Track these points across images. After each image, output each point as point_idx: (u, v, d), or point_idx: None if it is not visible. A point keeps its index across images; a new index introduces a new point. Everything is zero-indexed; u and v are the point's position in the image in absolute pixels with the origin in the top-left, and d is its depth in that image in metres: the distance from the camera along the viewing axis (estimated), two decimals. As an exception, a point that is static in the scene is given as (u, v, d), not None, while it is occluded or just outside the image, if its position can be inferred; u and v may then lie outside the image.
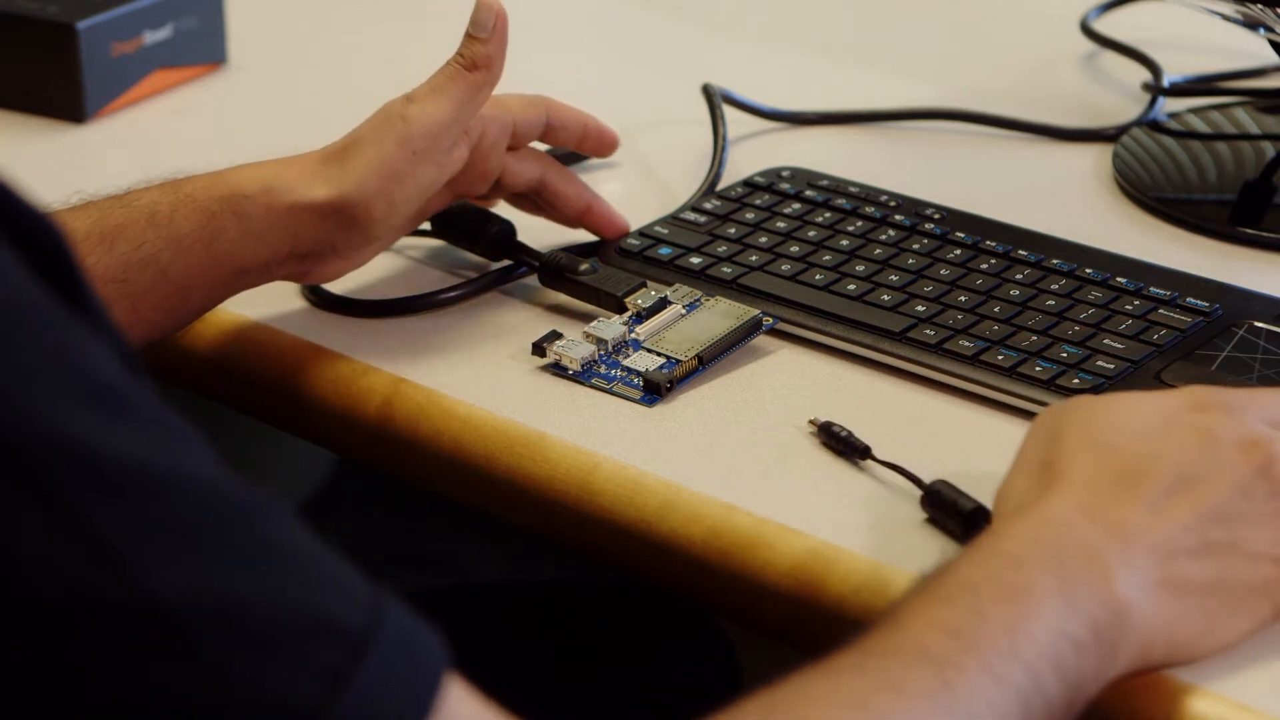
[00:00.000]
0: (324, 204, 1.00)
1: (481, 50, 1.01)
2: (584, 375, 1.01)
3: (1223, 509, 0.79)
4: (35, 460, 0.59)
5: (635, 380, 1.00)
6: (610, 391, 1.00)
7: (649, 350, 1.01)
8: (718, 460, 0.95)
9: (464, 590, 1.23)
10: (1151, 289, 1.05)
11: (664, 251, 1.11)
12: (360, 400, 1.01)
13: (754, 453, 0.96)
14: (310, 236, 1.00)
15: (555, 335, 1.02)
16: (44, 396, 0.60)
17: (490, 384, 1.01)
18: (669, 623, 1.18)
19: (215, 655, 0.61)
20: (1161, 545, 0.78)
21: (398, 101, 1.02)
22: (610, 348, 1.02)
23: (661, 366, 1.00)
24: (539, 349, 1.02)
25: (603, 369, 1.01)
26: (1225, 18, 1.20)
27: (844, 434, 0.94)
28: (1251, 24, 1.19)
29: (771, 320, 1.04)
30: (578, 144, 1.14)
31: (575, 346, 1.01)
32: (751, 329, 1.03)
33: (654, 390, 0.99)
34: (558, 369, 1.01)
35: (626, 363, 1.01)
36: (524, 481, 0.97)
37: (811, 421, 0.96)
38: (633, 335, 1.02)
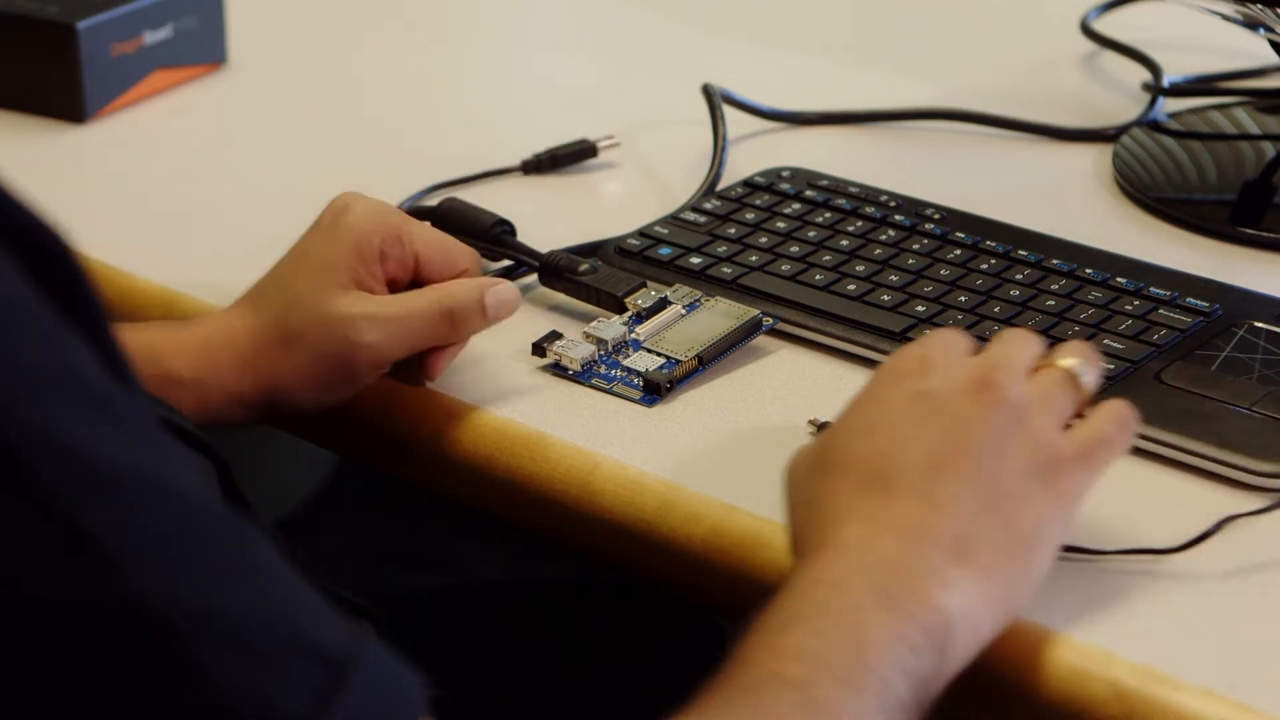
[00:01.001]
0: (254, 400, 0.97)
1: (477, 324, 0.98)
2: (584, 375, 1.01)
3: (980, 463, 0.80)
4: (23, 460, 0.59)
5: (635, 380, 1.00)
6: (610, 391, 1.00)
7: (649, 350, 1.01)
8: (718, 460, 0.95)
9: (464, 590, 1.23)
10: (1151, 289, 1.05)
11: (664, 251, 1.11)
12: (360, 400, 1.01)
13: (754, 453, 0.96)
14: (241, 419, 0.98)
15: (555, 335, 1.02)
16: (34, 397, 0.60)
17: (490, 384, 1.01)
18: (669, 623, 1.18)
19: (204, 660, 0.61)
20: (947, 529, 0.78)
21: (359, 313, 0.95)
22: (610, 348, 1.02)
23: (661, 366, 1.00)
24: (539, 349, 1.02)
25: (603, 369, 1.01)
26: (1225, 18, 1.20)
27: None
28: (1251, 24, 1.19)
29: (771, 320, 1.04)
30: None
31: (575, 346, 1.01)
32: (751, 329, 1.03)
33: (654, 390, 0.99)
34: (558, 369, 1.01)
35: (626, 363, 1.01)
36: (524, 481, 0.96)
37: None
38: (633, 335, 1.02)
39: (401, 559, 1.27)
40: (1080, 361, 0.84)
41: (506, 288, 0.99)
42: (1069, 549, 0.85)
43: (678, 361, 1.00)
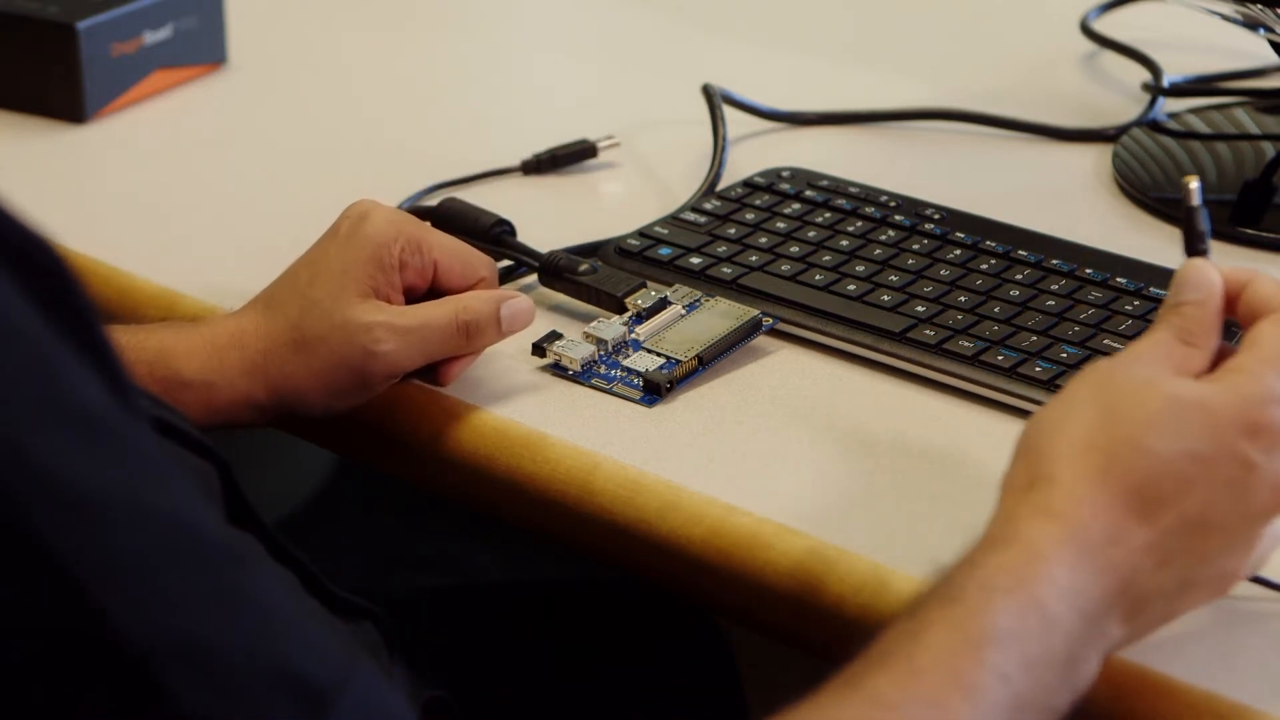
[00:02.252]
0: (264, 403, 0.97)
1: (492, 336, 0.98)
2: (584, 375, 1.01)
3: (1221, 545, 0.78)
4: (1, 484, 0.59)
5: (635, 380, 1.00)
6: (610, 392, 1.00)
7: (649, 350, 1.01)
8: (718, 460, 0.95)
9: (464, 590, 1.23)
10: (1151, 289, 1.05)
11: (664, 251, 1.11)
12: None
13: (754, 453, 0.96)
14: (249, 421, 0.99)
15: (555, 335, 1.02)
16: (17, 420, 0.59)
17: (490, 384, 1.01)
18: (669, 623, 1.18)
19: (176, 692, 0.60)
20: (1148, 592, 0.77)
21: (376, 321, 0.95)
22: (610, 348, 1.02)
23: (661, 367, 1.00)
24: (539, 349, 1.02)
25: (603, 369, 1.01)
26: (1225, 18, 1.20)
27: None
28: (1251, 24, 1.19)
29: (771, 320, 1.04)
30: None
31: (575, 347, 1.01)
32: (751, 329, 1.03)
33: (654, 390, 0.99)
34: (558, 369, 1.01)
35: (626, 363, 1.01)
36: (524, 481, 0.96)
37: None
38: (633, 335, 1.02)
39: (401, 559, 1.27)
40: None
41: (521, 300, 0.99)
42: (1264, 582, 0.84)
43: (678, 362, 1.00)
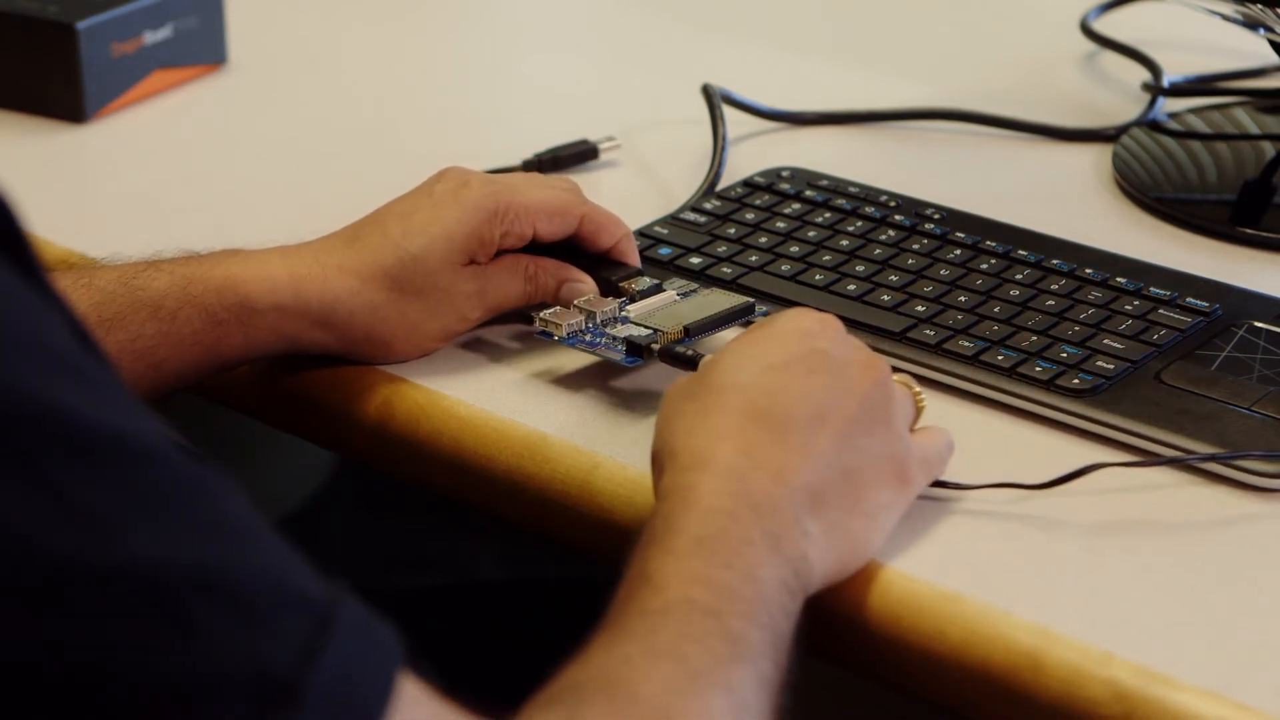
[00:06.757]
0: (325, 342, 1.00)
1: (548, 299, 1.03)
2: (570, 340, 1.00)
3: (851, 429, 0.84)
4: (13, 426, 0.60)
5: (619, 345, 0.99)
6: (593, 353, 0.99)
7: (637, 324, 1.00)
8: (717, 460, 0.95)
9: (464, 590, 1.23)
10: (1151, 289, 1.05)
11: (664, 251, 1.11)
12: (360, 400, 1.01)
13: (754, 453, 0.96)
14: (317, 348, 1.00)
15: (544, 305, 1.02)
16: (18, 364, 0.61)
17: (490, 384, 1.01)
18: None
19: (192, 619, 0.61)
20: (813, 484, 0.82)
21: (472, 290, 1.01)
22: (599, 320, 1.01)
23: (647, 335, 0.99)
24: (527, 317, 1.01)
25: (588, 336, 1.00)
26: (1225, 18, 1.20)
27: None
28: (1251, 24, 1.19)
29: (764, 309, 1.03)
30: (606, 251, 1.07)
31: (563, 314, 1.00)
32: (744, 312, 1.02)
33: (636, 352, 0.98)
34: (543, 335, 1.01)
35: (612, 331, 1.00)
36: (524, 481, 0.97)
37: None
38: (623, 314, 1.01)
39: (401, 559, 1.27)
40: (911, 380, 0.91)
41: (581, 286, 1.02)
42: (939, 484, 0.90)
43: (664, 332, 0.99)
